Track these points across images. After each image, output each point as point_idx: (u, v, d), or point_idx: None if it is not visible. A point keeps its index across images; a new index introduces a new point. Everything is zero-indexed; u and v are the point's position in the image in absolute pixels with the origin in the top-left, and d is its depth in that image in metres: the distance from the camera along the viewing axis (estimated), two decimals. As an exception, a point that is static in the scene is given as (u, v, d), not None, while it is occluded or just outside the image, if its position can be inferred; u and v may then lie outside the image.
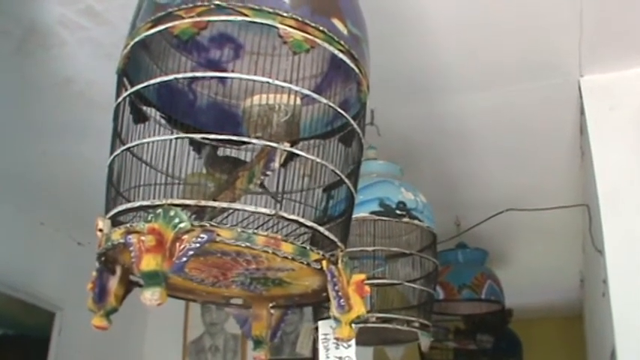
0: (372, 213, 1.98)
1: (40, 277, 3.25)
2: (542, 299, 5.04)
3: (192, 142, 1.30)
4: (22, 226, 3.19)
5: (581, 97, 2.23)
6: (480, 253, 3.36)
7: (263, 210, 1.06)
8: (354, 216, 1.26)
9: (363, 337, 1.97)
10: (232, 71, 1.31)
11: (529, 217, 2.95)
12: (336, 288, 1.09)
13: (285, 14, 1.09)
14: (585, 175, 2.52)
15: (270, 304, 1.31)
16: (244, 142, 1.20)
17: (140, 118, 1.23)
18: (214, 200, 1.15)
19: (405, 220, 2.01)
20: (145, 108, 1.25)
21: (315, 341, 3.29)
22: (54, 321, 3.29)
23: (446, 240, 2.98)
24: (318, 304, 1.58)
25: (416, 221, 2.02)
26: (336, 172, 1.17)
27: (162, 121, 1.28)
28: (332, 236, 1.13)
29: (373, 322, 1.95)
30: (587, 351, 4.35)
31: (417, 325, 2.01)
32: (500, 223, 2.94)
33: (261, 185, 1.24)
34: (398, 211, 2.00)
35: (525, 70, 2.17)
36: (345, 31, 1.16)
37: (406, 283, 2.06)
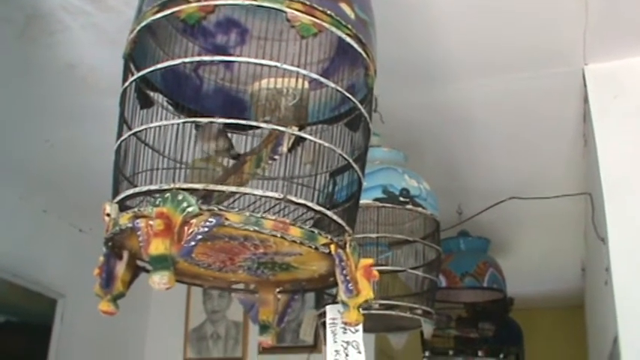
0: (376, 200, 1.97)
1: (43, 264, 3.26)
2: (543, 288, 5.05)
3: (197, 127, 1.29)
4: (24, 214, 3.19)
5: (585, 85, 2.22)
6: (482, 242, 3.36)
7: (271, 194, 1.05)
8: (357, 203, 1.25)
9: (366, 324, 1.96)
10: (239, 56, 1.31)
11: (531, 206, 2.94)
12: (344, 272, 1.09)
13: (292, -2, 1.08)
14: (588, 163, 2.52)
15: (277, 289, 1.31)
16: (252, 127, 1.19)
17: (146, 103, 1.22)
18: (222, 184, 1.15)
19: (409, 207, 2.00)
20: (151, 93, 1.25)
21: (317, 328, 3.30)
22: (56, 308, 3.30)
23: (448, 228, 2.97)
24: (325, 289, 1.58)
25: (419, 208, 2.02)
26: (343, 157, 1.16)
27: (170, 107, 1.28)
28: (340, 220, 1.13)
29: (376, 309, 1.95)
30: (588, 339, 4.36)
31: (419, 312, 2.01)
32: (502, 211, 2.94)
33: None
34: (401, 198, 1.99)
35: (529, 58, 2.16)
36: (352, 15, 1.16)
37: (409, 271, 2.06)
